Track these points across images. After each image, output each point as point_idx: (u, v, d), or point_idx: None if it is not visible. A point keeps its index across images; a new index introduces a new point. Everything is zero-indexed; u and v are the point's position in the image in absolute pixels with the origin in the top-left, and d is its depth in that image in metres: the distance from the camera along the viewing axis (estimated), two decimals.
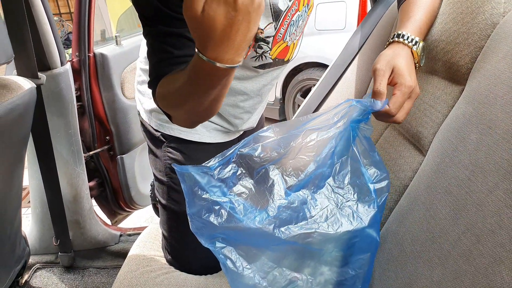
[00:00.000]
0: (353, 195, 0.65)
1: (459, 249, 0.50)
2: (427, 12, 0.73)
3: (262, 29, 0.73)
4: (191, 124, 0.71)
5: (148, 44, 0.66)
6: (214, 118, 0.94)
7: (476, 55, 0.62)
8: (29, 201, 1.60)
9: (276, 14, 0.74)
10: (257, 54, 0.79)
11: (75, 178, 1.52)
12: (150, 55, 0.65)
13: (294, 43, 0.85)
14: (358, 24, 2.36)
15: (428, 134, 0.69)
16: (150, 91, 0.77)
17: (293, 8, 0.76)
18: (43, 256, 1.64)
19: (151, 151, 0.99)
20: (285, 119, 3.72)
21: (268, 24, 0.74)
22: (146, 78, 0.91)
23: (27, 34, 1.09)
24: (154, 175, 0.99)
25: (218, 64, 0.49)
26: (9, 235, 1.19)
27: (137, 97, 1.01)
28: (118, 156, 1.75)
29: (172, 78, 0.60)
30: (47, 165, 1.38)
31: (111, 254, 1.66)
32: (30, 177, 1.51)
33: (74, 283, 1.54)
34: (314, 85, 1.27)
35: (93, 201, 1.75)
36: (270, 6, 0.72)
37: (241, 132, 1.04)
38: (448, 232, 0.53)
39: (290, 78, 3.44)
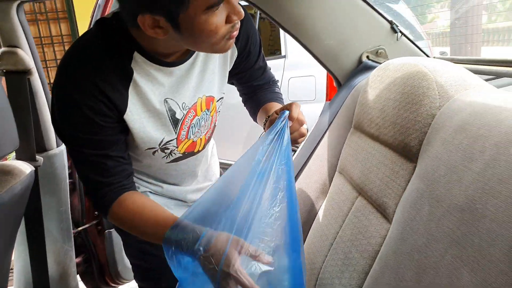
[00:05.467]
0: None
1: None
2: None
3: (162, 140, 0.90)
4: None
5: (81, 164, 0.84)
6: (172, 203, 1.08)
7: (422, 139, 0.75)
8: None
9: (175, 122, 0.89)
10: (166, 154, 0.93)
11: (62, 256, 1.52)
12: (87, 173, 0.84)
13: (201, 138, 0.99)
14: (326, 95, 2.58)
15: (392, 204, 0.80)
16: None
17: (189, 115, 0.91)
18: None
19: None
20: None
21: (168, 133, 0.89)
22: None
23: (30, 121, 1.18)
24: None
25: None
26: None
27: None
28: (106, 231, 1.77)
29: (134, 219, 0.84)
30: (36, 245, 1.37)
31: None
32: (16, 258, 1.50)
33: None
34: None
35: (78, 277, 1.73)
36: (169, 116, 0.87)
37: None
38: None
39: None
